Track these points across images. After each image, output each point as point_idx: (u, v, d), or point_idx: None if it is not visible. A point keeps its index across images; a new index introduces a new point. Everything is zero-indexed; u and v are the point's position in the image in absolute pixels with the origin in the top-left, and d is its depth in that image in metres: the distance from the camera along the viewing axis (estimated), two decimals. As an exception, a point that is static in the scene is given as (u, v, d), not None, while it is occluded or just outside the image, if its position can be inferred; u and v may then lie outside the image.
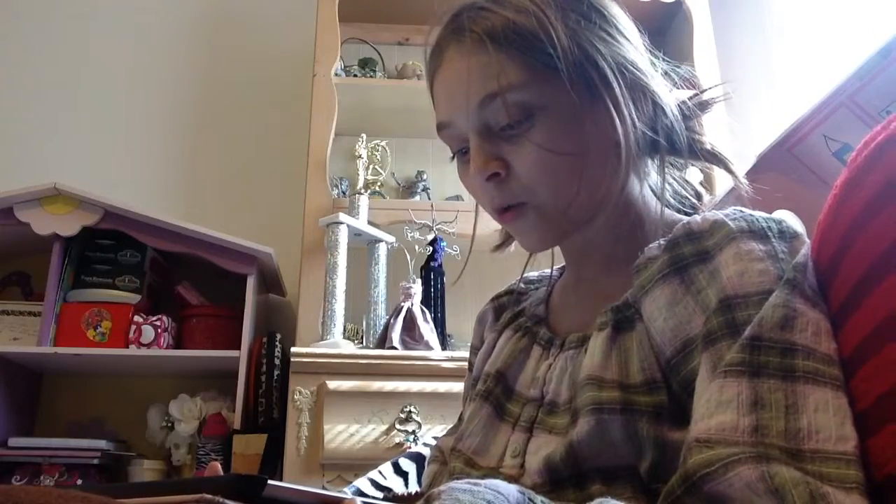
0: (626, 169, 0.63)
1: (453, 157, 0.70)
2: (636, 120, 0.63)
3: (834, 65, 1.60)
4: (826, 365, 0.47)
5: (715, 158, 0.68)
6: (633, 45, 0.66)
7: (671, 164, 0.71)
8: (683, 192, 0.73)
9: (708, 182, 0.75)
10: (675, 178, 0.72)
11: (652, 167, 0.68)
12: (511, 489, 0.43)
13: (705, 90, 0.70)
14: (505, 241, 0.77)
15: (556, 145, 0.61)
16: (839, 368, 0.47)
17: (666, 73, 0.69)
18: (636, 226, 0.66)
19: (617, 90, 0.62)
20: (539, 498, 0.44)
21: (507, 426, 0.65)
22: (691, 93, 0.70)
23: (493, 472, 0.62)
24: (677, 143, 0.66)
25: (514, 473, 0.60)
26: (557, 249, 0.75)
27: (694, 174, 0.75)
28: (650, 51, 0.69)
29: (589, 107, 0.62)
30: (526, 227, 0.66)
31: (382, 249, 1.89)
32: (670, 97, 0.66)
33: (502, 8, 0.63)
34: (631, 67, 0.63)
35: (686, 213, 0.70)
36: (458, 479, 0.56)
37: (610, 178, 0.64)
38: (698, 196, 0.73)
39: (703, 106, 0.69)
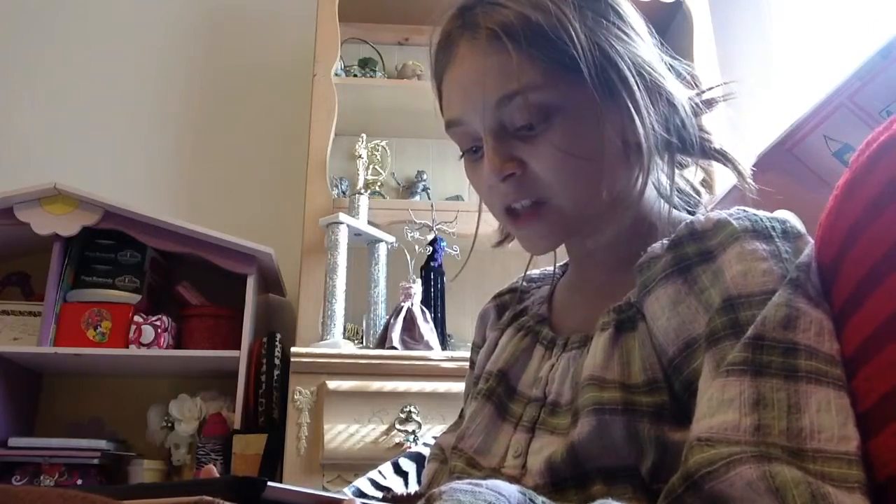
0: (647, 171, 0.62)
1: (461, 156, 0.69)
2: (654, 122, 0.62)
3: (834, 65, 1.60)
4: (828, 365, 0.47)
5: (724, 158, 0.67)
6: (647, 44, 0.66)
7: (678, 164, 0.70)
8: (687, 191, 0.72)
9: (708, 180, 0.74)
10: (679, 177, 0.72)
11: (661, 165, 0.67)
12: (512, 490, 0.43)
13: (711, 88, 0.69)
14: (504, 238, 0.77)
15: (574, 148, 0.61)
16: (841, 369, 0.47)
17: (676, 71, 0.68)
18: (641, 226, 0.66)
19: (637, 91, 0.61)
20: (540, 498, 0.44)
21: (509, 426, 0.65)
22: (697, 91, 0.69)
23: (495, 473, 0.62)
24: (688, 142, 0.65)
25: (515, 474, 0.60)
26: (559, 248, 0.75)
27: (690, 173, 0.74)
28: (660, 48, 0.68)
29: (608, 108, 0.61)
30: (538, 230, 0.65)
31: (382, 249, 1.89)
32: (683, 96, 0.66)
33: (517, 3, 0.62)
34: (647, 67, 0.63)
35: (689, 213, 0.69)
36: (459, 478, 0.56)
37: (628, 180, 0.63)
38: (699, 195, 0.73)
39: (709, 104, 0.69)
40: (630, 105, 0.61)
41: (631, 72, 0.61)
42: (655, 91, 0.63)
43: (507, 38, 0.60)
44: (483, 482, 0.43)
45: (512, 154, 0.63)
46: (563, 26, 0.60)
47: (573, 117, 0.61)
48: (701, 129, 0.67)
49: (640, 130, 0.61)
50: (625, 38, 0.63)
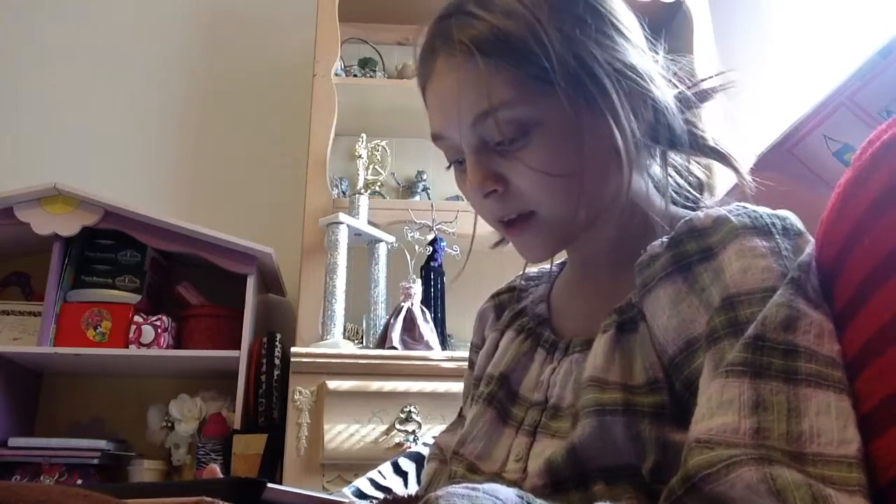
0: (628, 178, 0.61)
1: (450, 166, 0.68)
2: (636, 129, 0.61)
3: (834, 64, 1.60)
4: (828, 368, 0.46)
5: (717, 154, 0.66)
6: (633, 44, 0.64)
7: (673, 158, 0.69)
8: (686, 184, 0.71)
9: (709, 173, 0.74)
10: (677, 169, 0.70)
11: (654, 162, 0.67)
12: (510, 493, 0.43)
13: (706, 79, 0.68)
14: (503, 239, 0.76)
15: (551, 166, 0.60)
16: (842, 371, 0.46)
17: (667, 67, 0.67)
18: (641, 225, 0.65)
19: (615, 99, 0.60)
20: (538, 501, 0.44)
21: (510, 430, 0.64)
22: (689, 84, 0.68)
23: (496, 478, 0.61)
24: (678, 141, 0.65)
25: (516, 478, 0.60)
26: None
27: (696, 169, 0.73)
28: (650, 43, 0.67)
29: (587, 117, 0.60)
30: (531, 240, 0.65)
31: (382, 249, 1.89)
32: (669, 96, 0.64)
33: (491, 14, 0.60)
34: (630, 73, 0.61)
35: (689, 207, 0.69)
36: (458, 483, 0.56)
37: (611, 188, 0.63)
38: (700, 186, 0.71)
39: (704, 96, 0.67)
40: (608, 114, 0.60)
41: (610, 79, 0.60)
42: (639, 97, 0.62)
43: (479, 54, 0.59)
44: (480, 486, 0.42)
45: (493, 170, 0.62)
46: (536, 35, 0.59)
47: (552, 129, 0.60)
48: (694, 126, 0.66)
49: (619, 138, 0.60)
50: (606, 42, 0.62)
